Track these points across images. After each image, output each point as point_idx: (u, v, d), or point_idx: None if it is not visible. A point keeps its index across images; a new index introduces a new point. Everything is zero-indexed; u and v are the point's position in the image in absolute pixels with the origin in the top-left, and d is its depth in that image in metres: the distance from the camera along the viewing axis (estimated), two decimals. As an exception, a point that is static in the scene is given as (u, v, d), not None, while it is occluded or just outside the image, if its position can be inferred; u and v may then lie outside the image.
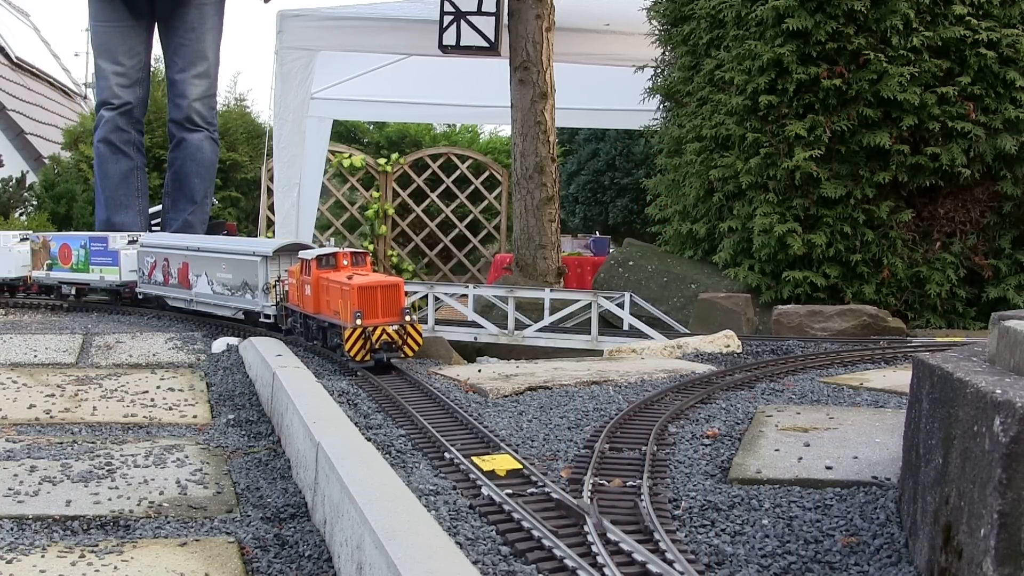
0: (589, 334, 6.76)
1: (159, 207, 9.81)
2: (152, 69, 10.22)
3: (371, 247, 14.11)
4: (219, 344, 6.19)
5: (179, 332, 6.66)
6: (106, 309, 7.74)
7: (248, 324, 6.46)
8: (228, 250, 6.44)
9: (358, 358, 4.89)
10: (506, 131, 14.66)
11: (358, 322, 4.84)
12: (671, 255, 9.00)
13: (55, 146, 15.59)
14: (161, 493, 3.47)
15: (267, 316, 6.10)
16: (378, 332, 4.88)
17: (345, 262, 5.33)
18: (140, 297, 7.48)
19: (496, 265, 11.73)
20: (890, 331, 6.84)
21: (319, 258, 5.34)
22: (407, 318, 4.97)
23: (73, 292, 8.05)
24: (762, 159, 7.82)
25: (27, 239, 8.28)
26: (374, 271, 5.53)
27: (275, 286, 5.97)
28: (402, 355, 4.97)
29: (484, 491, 3.03)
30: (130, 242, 7.54)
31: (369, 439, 3.56)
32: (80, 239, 7.85)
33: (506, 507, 2.84)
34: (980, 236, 7.91)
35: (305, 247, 6.01)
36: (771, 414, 4.09)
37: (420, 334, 5.01)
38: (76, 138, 13.61)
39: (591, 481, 3.11)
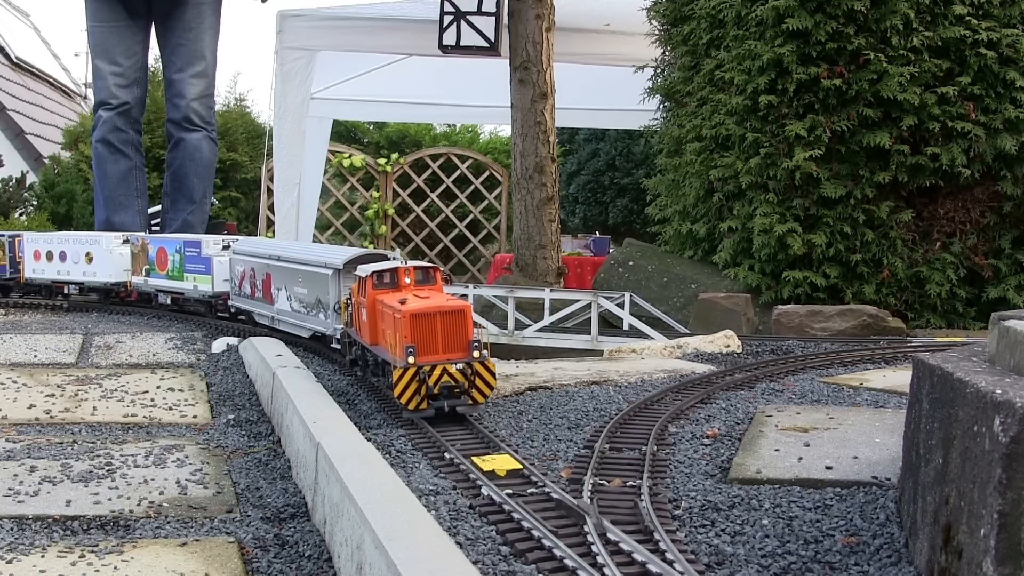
0: (589, 334, 6.76)
1: (159, 207, 9.81)
2: (151, 69, 10.22)
3: (371, 247, 14.11)
4: (219, 344, 6.19)
5: (179, 332, 6.66)
6: (106, 309, 7.74)
7: (324, 347, 5.71)
8: (303, 260, 5.50)
9: (411, 406, 3.85)
10: (506, 131, 14.66)
11: (410, 360, 3.83)
12: (671, 255, 9.00)
13: (55, 146, 15.59)
14: (161, 493, 3.47)
15: (337, 340, 5.19)
16: (437, 373, 3.86)
17: (407, 279, 4.29)
18: (232, 311, 6.65)
19: (496, 265, 11.73)
20: (890, 331, 6.84)
21: (376, 275, 4.34)
22: (476, 353, 3.92)
23: (168, 302, 7.31)
24: (762, 159, 7.82)
25: (128, 241, 7.66)
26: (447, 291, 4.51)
27: (346, 306, 4.91)
28: (470, 402, 3.91)
29: (484, 491, 3.03)
30: (224, 247, 6.74)
31: (369, 439, 3.56)
32: (175, 243, 7.06)
33: (506, 507, 2.84)
34: (980, 236, 7.91)
35: (376, 257, 4.98)
36: (771, 414, 4.09)
37: (493, 374, 3.97)
38: (76, 138, 13.61)
39: (591, 481, 3.11)
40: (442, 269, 4.38)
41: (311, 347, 5.79)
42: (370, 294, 4.32)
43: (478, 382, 3.92)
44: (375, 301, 4.30)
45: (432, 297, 4.10)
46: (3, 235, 8.54)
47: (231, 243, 6.69)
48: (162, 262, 7.18)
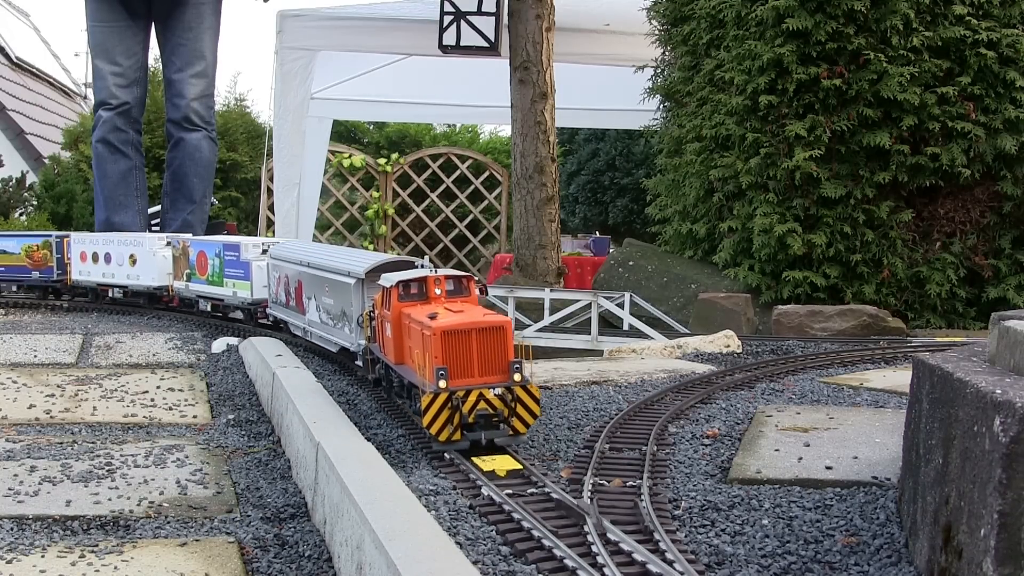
0: (589, 334, 6.76)
1: (159, 207, 9.80)
2: (151, 69, 10.22)
3: (371, 247, 14.11)
4: (219, 344, 6.19)
5: (179, 332, 6.66)
6: (106, 309, 7.73)
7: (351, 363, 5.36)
8: (329, 267, 5.07)
9: (442, 437, 3.39)
10: (506, 131, 14.67)
11: (441, 384, 3.38)
12: (671, 255, 9.00)
13: (55, 146, 15.59)
14: (161, 493, 3.47)
15: (360, 356, 4.74)
16: (472, 399, 3.41)
17: (437, 290, 3.83)
18: (270, 321, 6.25)
19: (496, 265, 11.73)
20: (890, 331, 6.84)
21: (402, 285, 3.89)
22: (517, 376, 3.46)
23: (208, 308, 6.92)
24: (762, 159, 7.82)
25: (171, 243, 7.30)
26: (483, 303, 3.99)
27: (368, 319, 4.46)
28: (509, 432, 3.47)
29: (484, 491, 3.03)
30: (263, 251, 6.32)
31: (369, 439, 3.56)
32: (215, 246, 6.65)
33: (506, 507, 2.84)
34: (980, 236, 7.91)
35: (403, 265, 4.47)
36: (771, 414, 4.09)
37: (537, 400, 3.50)
38: (76, 138, 13.61)
39: (591, 481, 3.11)
40: (477, 278, 3.93)
41: (311, 347, 5.78)
42: (395, 307, 3.85)
43: (519, 409, 3.44)
44: (401, 315, 3.83)
45: (466, 311, 3.59)
46: (51, 236, 8.27)
47: (269, 247, 6.24)
48: (202, 266, 6.78)
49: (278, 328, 6.19)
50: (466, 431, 3.42)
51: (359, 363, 4.70)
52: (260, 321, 6.41)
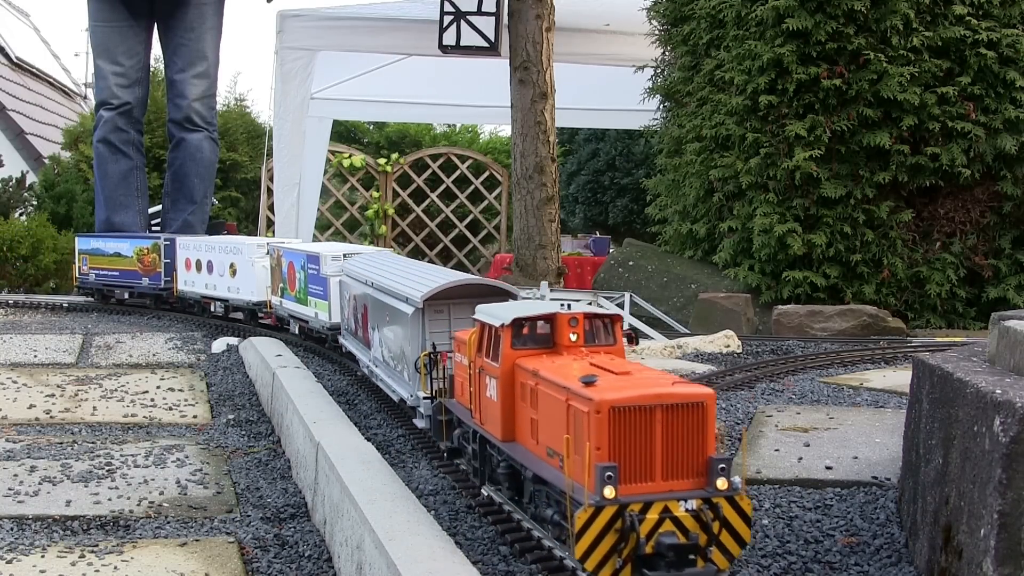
0: (589, 334, 6.73)
1: (159, 207, 9.80)
2: (152, 69, 10.22)
3: (368, 245, 14.11)
4: (219, 344, 6.18)
5: (179, 332, 6.65)
6: (106, 309, 7.73)
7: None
8: (388, 289, 4.02)
9: (606, 573, 2.25)
10: (506, 131, 14.67)
11: (607, 492, 2.24)
12: (671, 255, 9.00)
13: (55, 146, 15.58)
14: (161, 493, 3.47)
15: (421, 415, 3.62)
16: (653, 518, 2.26)
17: (573, 336, 2.73)
18: (344, 351, 5.11)
19: (496, 265, 11.73)
20: (890, 331, 6.84)
21: (517, 323, 2.76)
22: (721, 482, 2.32)
23: (297, 331, 5.90)
24: (762, 159, 7.82)
25: (269, 252, 6.29)
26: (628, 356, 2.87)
27: (429, 363, 3.41)
28: (715, 570, 2.31)
29: (484, 491, 3.03)
30: (340, 266, 5.25)
31: (369, 439, 3.56)
32: (300, 256, 5.65)
33: (506, 507, 2.84)
34: (980, 236, 7.91)
35: (499, 291, 3.55)
36: (771, 414, 4.09)
37: (749, 519, 2.35)
38: (76, 138, 13.60)
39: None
40: (624, 316, 2.81)
41: (311, 347, 5.77)
42: (507, 355, 2.75)
43: (724, 535, 2.31)
44: (516, 369, 2.73)
45: (634, 372, 2.47)
46: (159, 238, 7.45)
47: (346, 255, 5.21)
48: (292, 280, 5.76)
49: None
50: (645, 569, 2.24)
51: (421, 423, 3.65)
52: (339, 349, 5.33)
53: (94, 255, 7.93)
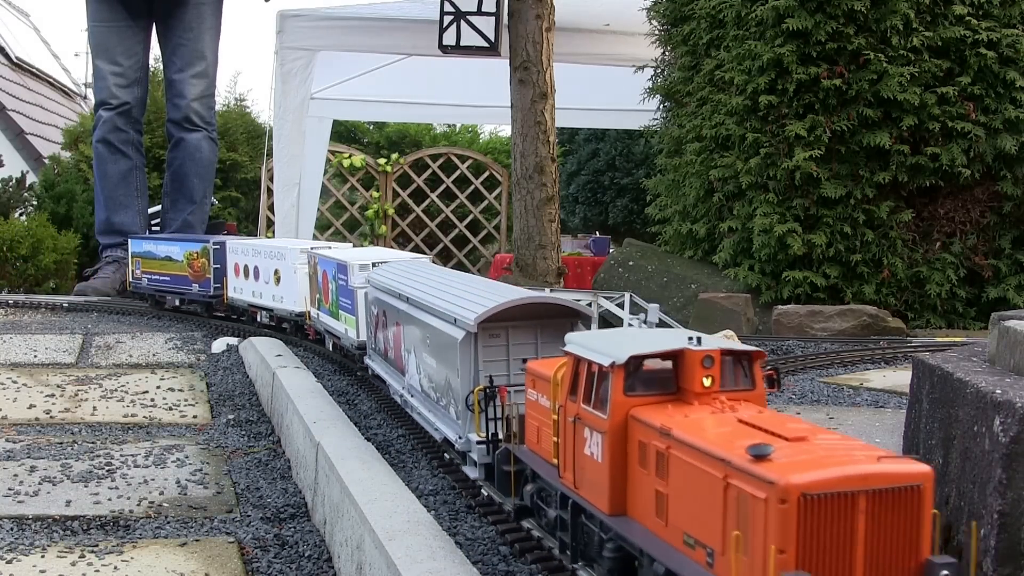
0: (589, 334, 6.72)
1: (159, 207, 9.80)
2: (152, 69, 10.22)
3: (367, 244, 14.12)
4: (219, 344, 6.18)
5: (179, 332, 6.65)
6: (106, 309, 7.72)
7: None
8: (429, 306, 3.41)
9: None
10: (506, 131, 14.67)
11: None
12: (671, 255, 9.00)
13: (55, 146, 15.58)
14: (161, 493, 3.47)
15: (474, 462, 3.03)
16: None
17: (707, 380, 2.13)
18: (371, 373, 4.56)
19: (496, 265, 11.73)
20: (890, 331, 6.84)
21: (634, 363, 2.17)
22: None
23: (331, 348, 5.49)
24: (762, 159, 7.82)
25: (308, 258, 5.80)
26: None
27: (484, 400, 2.85)
28: None
29: (484, 491, 3.03)
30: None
31: (369, 439, 3.56)
32: (331, 265, 5.19)
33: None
34: (980, 236, 7.91)
35: (568, 312, 2.99)
36: (771, 414, 4.09)
37: None
38: (76, 138, 13.60)
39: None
40: (765, 355, 2.22)
41: (311, 347, 5.76)
42: (619, 403, 2.14)
43: None
44: (633, 423, 2.13)
45: (813, 439, 1.86)
46: (208, 241, 6.94)
47: (376, 264, 4.63)
48: (326, 291, 5.31)
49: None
50: None
51: (473, 472, 3.04)
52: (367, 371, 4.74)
53: (146, 259, 7.52)
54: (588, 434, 2.23)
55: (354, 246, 6.90)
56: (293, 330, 6.06)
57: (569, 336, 2.42)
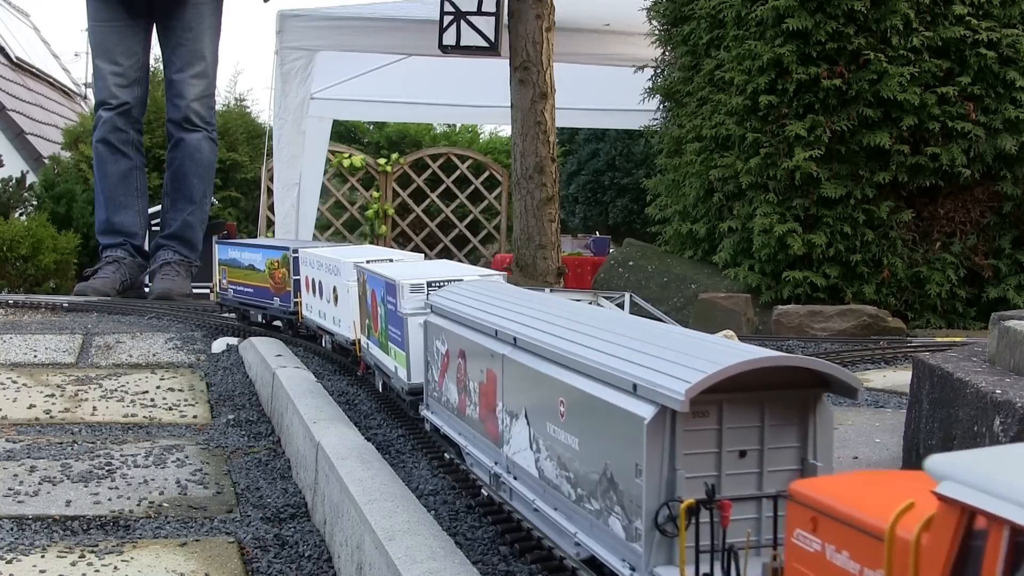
0: (589, 334, 6.71)
1: (159, 207, 9.81)
2: (152, 69, 10.22)
3: (367, 244, 14.11)
4: (219, 344, 6.18)
5: (179, 332, 6.65)
6: (106, 309, 7.72)
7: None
8: (571, 355, 2.18)
9: None
10: (506, 131, 14.68)
11: None
12: (671, 255, 9.00)
13: (55, 146, 15.59)
14: (161, 493, 3.47)
15: None
16: None
17: None
18: (428, 428, 3.54)
19: (496, 265, 11.74)
20: (890, 331, 6.84)
21: None
22: None
23: (380, 388, 4.46)
24: (762, 159, 7.82)
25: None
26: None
27: (690, 515, 1.73)
28: None
29: (484, 491, 3.03)
30: (427, 296, 3.59)
31: (369, 439, 3.56)
32: (380, 284, 4.05)
33: (506, 507, 2.84)
34: (980, 236, 7.91)
35: (819, 378, 1.83)
36: (771, 414, 4.08)
37: None
38: (76, 138, 13.61)
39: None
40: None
41: (311, 347, 5.76)
42: None
43: None
44: None
45: None
46: (289, 248, 5.83)
47: (433, 286, 3.59)
48: (375, 316, 4.20)
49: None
50: None
51: None
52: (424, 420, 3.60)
53: (232, 267, 6.57)
54: None
55: (362, 243, 6.59)
56: (352, 360, 4.94)
57: (937, 463, 1.15)
